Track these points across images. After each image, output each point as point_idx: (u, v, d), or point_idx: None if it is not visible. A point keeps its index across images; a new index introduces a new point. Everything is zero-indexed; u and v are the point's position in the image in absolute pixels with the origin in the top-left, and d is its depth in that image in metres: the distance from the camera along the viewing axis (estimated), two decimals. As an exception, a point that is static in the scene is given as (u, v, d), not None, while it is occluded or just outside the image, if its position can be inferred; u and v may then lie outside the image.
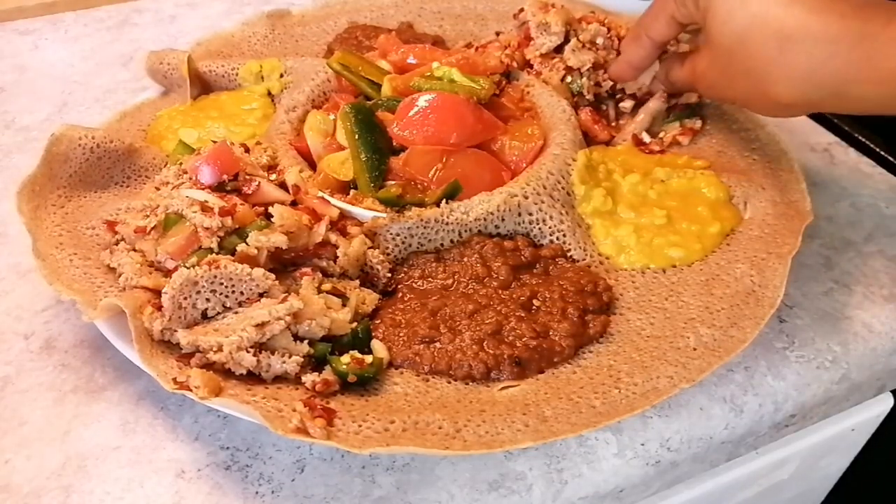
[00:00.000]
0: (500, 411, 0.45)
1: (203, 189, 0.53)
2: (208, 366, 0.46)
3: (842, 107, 0.51)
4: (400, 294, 0.53)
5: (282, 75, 0.71)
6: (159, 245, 0.51)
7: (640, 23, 0.63)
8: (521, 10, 0.71)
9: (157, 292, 0.48)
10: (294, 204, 0.55)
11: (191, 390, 0.44)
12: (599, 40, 0.67)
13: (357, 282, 0.53)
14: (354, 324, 0.49)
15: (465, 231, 0.55)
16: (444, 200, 0.55)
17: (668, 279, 0.55)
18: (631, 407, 0.45)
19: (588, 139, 0.65)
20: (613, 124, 0.68)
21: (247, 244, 0.49)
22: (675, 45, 0.66)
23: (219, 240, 0.50)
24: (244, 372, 0.46)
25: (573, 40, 0.67)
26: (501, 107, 0.64)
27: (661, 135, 0.67)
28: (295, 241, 0.51)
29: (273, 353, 0.46)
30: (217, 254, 0.49)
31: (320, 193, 0.56)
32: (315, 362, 0.48)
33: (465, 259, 0.54)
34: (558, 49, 0.68)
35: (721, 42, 0.54)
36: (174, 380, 0.44)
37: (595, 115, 0.66)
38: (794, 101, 0.51)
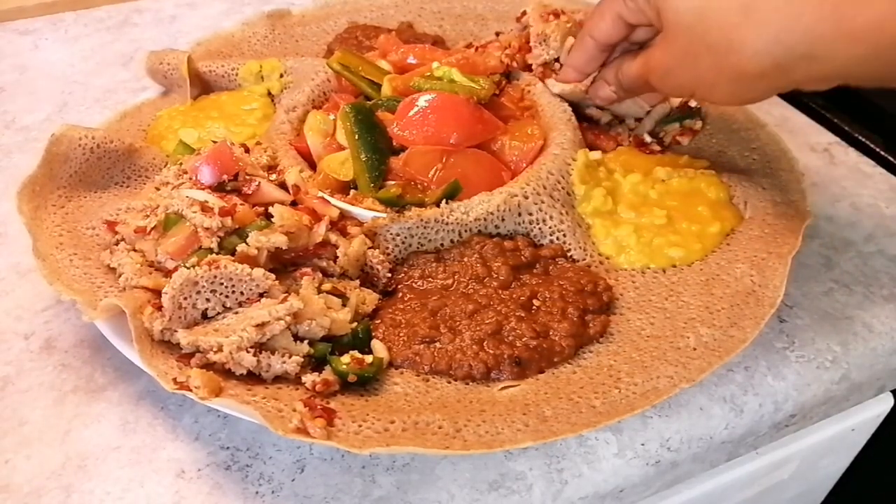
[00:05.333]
0: (500, 411, 0.45)
1: (203, 189, 0.53)
2: (208, 366, 0.46)
3: (813, 72, 0.47)
4: (400, 294, 0.53)
5: (282, 75, 0.71)
6: (159, 245, 0.51)
7: (586, 24, 0.60)
8: (524, 13, 0.70)
9: (157, 292, 0.48)
10: (294, 204, 0.55)
11: (191, 390, 0.44)
12: None
13: (357, 282, 0.53)
14: (354, 324, 0.49)
15: (465, 231, 0.55)
16: (444, 200, 0.55)
17: (668, 279, 0.55)
18: (631, 407, 0.45)
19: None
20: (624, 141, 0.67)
21: (247, 244, 0.49)
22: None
23: (219, 240, 0.50)
24: (244, 372, 0.46)
25: None
26: (501, 107, 0.64)
27: (662, 135, 0.67)
28: (295, 241, 0.51)
29: (273, 353, 0.46)
30: (217, 254, 0.49)
31: (320, 193, 0.56)
32: (315, 362, 0.48)
33: (465, 259, 0.54)
34: (558, 59, 0.68)
35: (678, 22, 0.50)
36: (174, 380, 0.44)
37: (595, 132, 0.66)
38: (764, 69, 0.48)
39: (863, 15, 0.44)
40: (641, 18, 0.55)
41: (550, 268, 0.55)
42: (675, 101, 0.68)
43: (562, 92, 0.65)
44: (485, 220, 0.55)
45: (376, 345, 0.49)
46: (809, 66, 0.47)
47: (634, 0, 0.54)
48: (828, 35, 0.45)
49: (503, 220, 0.56)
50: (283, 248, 0.50)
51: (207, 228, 0.50)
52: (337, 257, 0.52)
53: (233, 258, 0.49)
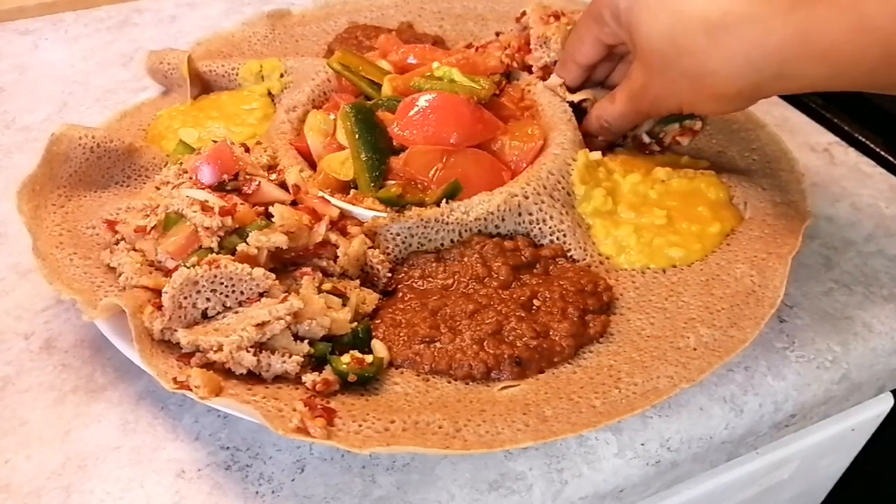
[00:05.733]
0: (500, 411, 0.45)
1: (203, 189, 0.53)
2: (208, 365, 0.46)
3: (787, 87, 0.50)
4: (400, 294, 0.53)
5: (282, 75, 0.71)
6: (159, 245, 0.51)
7: (566, 48, 0.62)
8: (524, 13, 0.70)
9: (158, 292, 0.48)
10: (294, 204, 0.55)
11: (191, 390, 0.44)
12: None
13: (357, 282, 0.53)
14: (354, 323, 0.49)
15: (466, 231, 0.55)
16: (444, 200, 0.55)
17: (668, 279, 0.55)
18: (631, 407, 0.45)
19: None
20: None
21: (247, 244, 0.49)
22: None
23: (219, 239, 0.50)
24: (244, 372, 0.46)
25: None
26: (501, 107, 0.64)
27: (661, 135, 0.67)
28: (295, 241, 0.51)
29: (273, 353, 0.46)
30: (217, 253, 0.49)
31: (320, 193, 0.56)
32: (315, 362, 0.48)
33: (466, 259, 0.54)
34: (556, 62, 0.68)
35: (651, 49, 0.52)
36: (174, 379, 0.44)
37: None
38: (739, 90, 0.50)
39: (824, 36, 0.45)
40: (618, 40, 0.57)
41: (550, 268, 0.55)
42: None
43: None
44: (485, 219, 0.55)
45: (376, 344, 0.49)
46: (782, 85, 0.49)
47: (608, 24, 0.56)
48: (794, 56, 0.47)
49: (503, 220, 0.56)
50: (283, 247, 0.50)
51: (207, 228, 0.50)
52: (337, 257, 0.52)
53: (233, 258, 0.49)
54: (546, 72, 0.68)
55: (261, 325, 0.46)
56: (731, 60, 0.48)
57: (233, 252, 0.50)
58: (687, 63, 0.50)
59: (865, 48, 0.45)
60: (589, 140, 0.63)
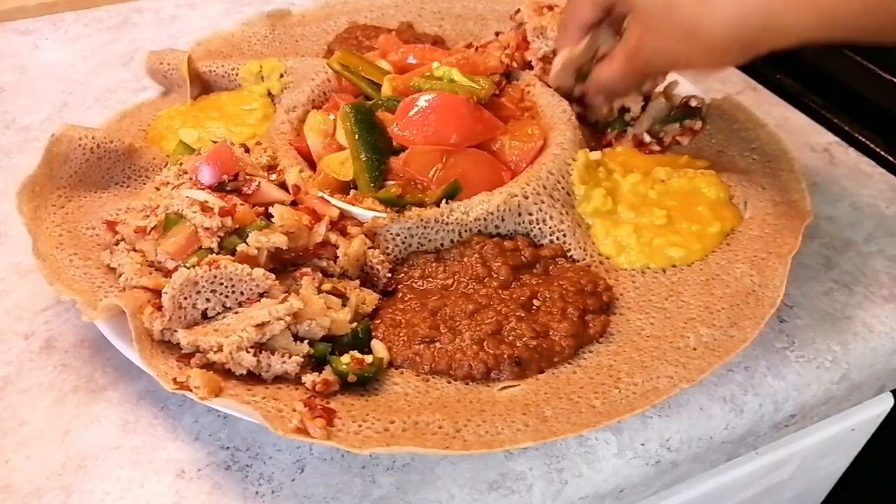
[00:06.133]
0: (500, 411, 0.45)
1: (203, 189, 0.53)
2: (208, 366, 0.46)
3: (777, 41, 0.50)
4: (400, 294, 0.53)
5: (282, 75, 0.71)
6: (159, 245, 0.51)
7: (565, 12, 0.62)
8: (518, 11, 0.70)
9: (157, 292, 0.48)
10: (294, 204, 0.55)
11: (191, 390, 0.44)
12: None
13: (357, 282, 0.53)
14: (354, 324, 0.49)
15: (465, 231, 0.55)
16: (444, 200, 0.55)
17: (668, 279, 0.55)
18: (631, 407, 0.45)
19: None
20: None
21: (247, 244, 0.49)
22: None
23: (219, 240, 0.50)
24: (244, 372, 0.46)
25: None
26: (501, 107, 0.64)
27: (661, 135, 0.67)
28: (295, 241, 0.51)
29: (273, 353, 0.46)
30: (217, 254, 0.49)
31: (320, 193, 0.56)
32: (315, 362, 0.48)
33: (465, 259, 0.54)
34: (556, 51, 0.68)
35: (644, 5, 0.53)
36: (174, 380, 0.44)
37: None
38: (728, 45, 0.50)
39: None
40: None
41: (550, 268, 0.55)
42: (676, 100, 0.68)
43: (554, 81, 0.65)
44: (485, 220, 0.55)
45: (376, 345, 0.49)
46: (770, 37, 0.50)
47: None
48: (781, 9, 0.48)
49: (503, 220, 0.56)
50: (283, 248, 0.50)
51: (207, 228, 0.50)
52: (337, 257, 0.52)
53: (233, 258, 0.49)
54: (546, 62, 0.68)
55: (261, 326, 0.46)
56: (719, 15, 0.49)
57: (233, 252, 0.50)
58: (678, 18, 0.51)
59: None
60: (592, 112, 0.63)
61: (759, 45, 0.50)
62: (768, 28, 0.49)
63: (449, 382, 0.48)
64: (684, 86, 0.70)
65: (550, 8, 0.68)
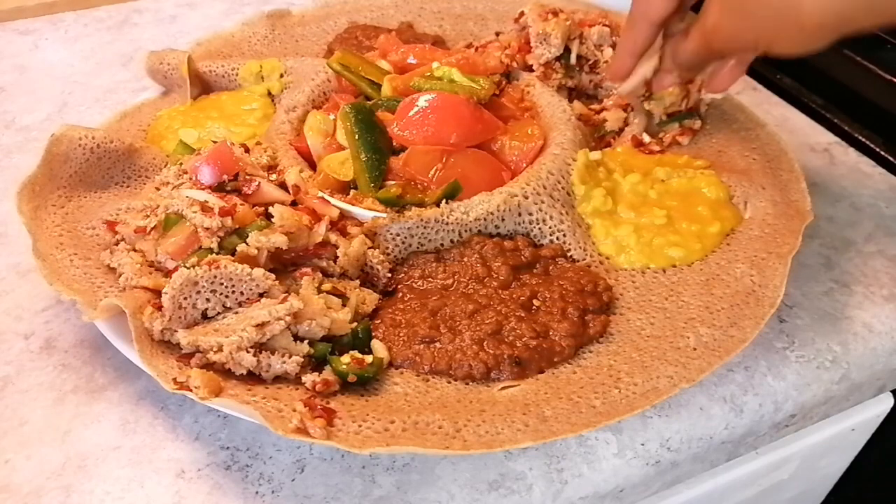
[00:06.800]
0: (500, 411, 0.45)
1: (203, 189, 0.53)
2: (208, 366, 0.46)
3: (877, 21, 0.46)
4: (400, 294, 0.53)
5: (282, 75, 0.71)
6: (159, 245, 0.51)
7: (635, 6, 0.59)
8: (522, 13, 0.70)
9: (157, 292, 0.48)
10: (294, 204, 0.55)
11: (191, 390, 0.44)
12: (607, 47, 0.67)
13: (357, 282, 0.53)
14: (354, 324, 0.49)
15: (465, 231, 0.55)
16: (444, 200, 0.55)
17: (668, 279, 0.55)
18: (631, 407, 0.45)
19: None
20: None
21: (247, 244, 0.49)
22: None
23: (219, 240, 0.50)
24: (244, 372, 0.46)
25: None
26: (501, 107, 0.64)
27: (661, 135, 0.67)
28: (295, 242, 0.51)
29: (273, 353, 0.46)
30: (217, 254, 0.49)
31: (320, 193, 0.56)
32: (315, 362, 0.48)
33: (465, 259, 0.54)
34: (559, 58, 0.68)
35: None
36: (174, 380, 0.44)
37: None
38: (825, 21, 0.46)
39: None
40: None
41: (550, 268, 0.55)
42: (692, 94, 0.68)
43: (628, 91, 0.63)
44: (485, 220, 0.55)
45: (376, 345, 0.49)
46: (871, 17, 0.46)
47: None
48: None
49: (503, 220, 0.56)
50: (283, 248, 0.50)
51: (207, 228, 0.50)
52: (337, 257, 0.52)
53: (233, 258, 0.49)
54: (548, 67, 0.68)
55: (261, 326, 0.46)
56: None
57: (233, 252, 0.50)
58: None
59: None
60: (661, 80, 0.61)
61: (855, 24, 0.47)
62: (869, 5, 0.45)
63: (449, 382, 0.48)
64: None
65: (555, 14, 0.68)
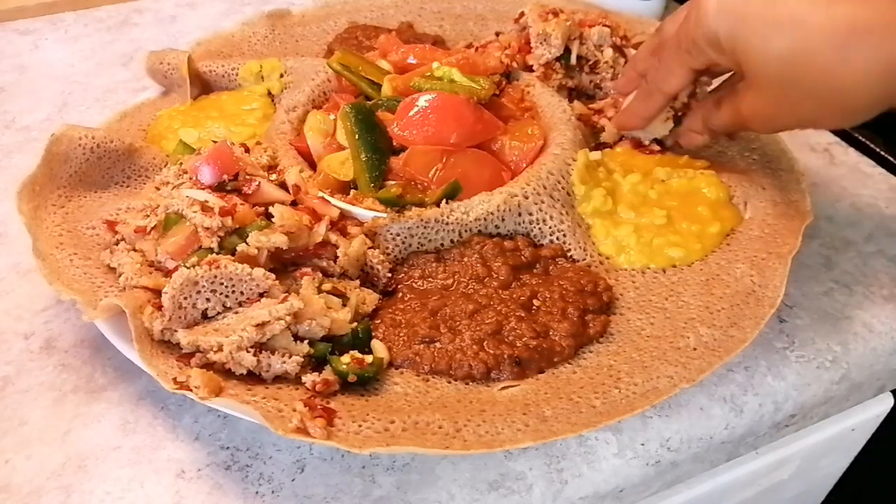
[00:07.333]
0: (500, 411, 0.45)
1: (203, 189, 0.53)
2: (208, 366, 0.46)
3: None
4: (400, 294, 0.53)
5: (282, 75, 0.71)
6: (159, 245, 0.51)
7: (653, 78, 0.58)
8: (522, 14, 0.70)
9: (157, 292, 0.48)
10: (294, 204, 0.55)
11: (191, 390, 0.44)
12: (607, 48, 0.67)
13: (357, 282, 0.53)
14: (354, 324, 0.49)
15: (465, 231, 0.55)
16: (444, 200, 0.55)
17: (668, 279, 0.55)
18: (631, 407, 0.45)
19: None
20: None
21: (247, 244, 0.49)
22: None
23: (219, 240, 0.50)
24: (244, 372, 0.46)
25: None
26: (501, 107, 0.64)
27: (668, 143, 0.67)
28: (295, 241, 0.51)
29: (273, 353, 0.46)
30: (217, 254, 0.49)
31: (320, 193, 0.56)
32: (315, 362, 0.48)
33: (465, 259, 0.54)
34: (559, 58, 0.68)
35: (766, 73, 0.48)
36: (174, 380, 0.44)
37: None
38: (872, 103, 0.46)
39: None
40: (712, 64, 0.53)
41: (550, 268, 0.55)
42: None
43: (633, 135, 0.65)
44: (485, 220, 0.55)
45: (376, 345, 0.49)
46: None
47: (704, 54, 0.52)
48: None
49: (503, 220, 0.56)
50: (283, 248, 0.50)
51: (207, 228, 0.50)
52: (337, 257, 0.52)
53: (233, 258, 0.49)
54: (548, 67, 0.68)
55: (261, 326, 0.46)
56: (866, 76, 0.45)
57: (233, 252, 0.50)
58: (812, 82, 0.47)
59: None
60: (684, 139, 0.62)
61: None
62: None
63: (449, 382, 0.48)
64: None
65: (555, 14, 0.68)
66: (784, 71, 0.47)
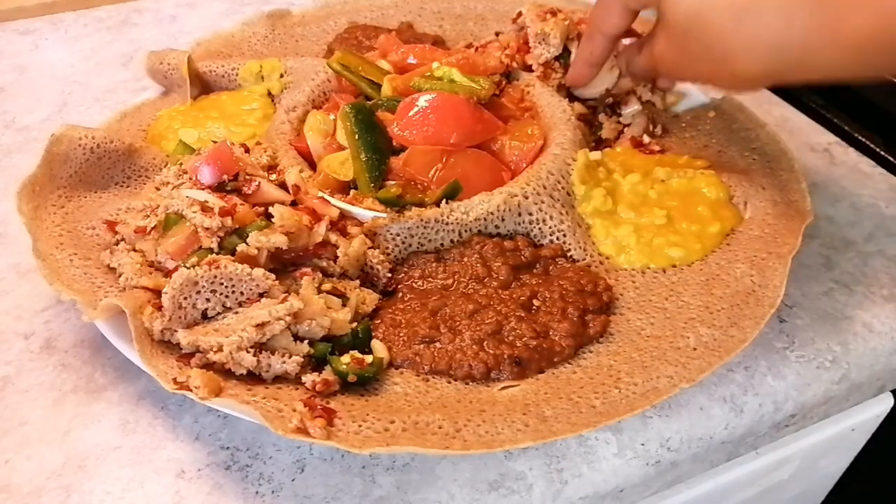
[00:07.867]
0: (500, 411, 0.45)
1: (203, 189, 0.53)
2: (208, 366, 0.46)
3: (806, 75, 0.50)
4: (400, 294, 0.53)
5: (282, 75, 0.71)
6: (159, 245, 0.51)
7: (593, 19, 0.62)
8: (520, 13, 0.70)
9: (157, 292, 0.48)
10: (294, 204, 0.55)
11: (191, 390, 0.44)
12: None
13: (357, 282, 0.53)
14: (354, 324, 0.49)
15: (465, 231, 0.55)
16: (444, 200, 0.55)
17: (668, 279, 0.55)
18: (631, 407, 0.45)
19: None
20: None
21: (247, 244, 0.49)
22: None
23: (219, 240, 0.50)
24: (244, 372, 0.46)
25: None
26: (501, 107, 0.64)
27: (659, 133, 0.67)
28: (295, 241, 0.51)
29: (273, 353, 0.46)
30: (217, 254, 0.49)
31: (320, 193, 0.56)
32: (315, 362, 0.48)
33: (465, 259, 0.54)
34: (559, 57, 0.68)
35: (676, 21, 0.52)
36: (174, 380, 0.44)
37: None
38: (757, 75, 0.50)
39: (849, 24, 0.45)
40: (645, 5, 0.57)
41: (550, 268, 0.55)
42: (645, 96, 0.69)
43: (588, 96, 0.66)
44: (485, 220, 0.55)
45: (376, 345, 0.49)
46: (801, 73, 0.49)
47: None
48: (816, 45, 0.47)
49: (503, 220, 0.56)
50: (283, 248, 0.50)
51: (207, 228, 0.50)
52: (337, 257, 0.52)
53: (233, 258, 0.49)
54: (548, 68, 0.68)
55: (261, 326, 0.46)
56: (753, 48, 0.48)
57: (233, 252, 0.50)
58: (709, 41, 0.50)
59: (892, 34, 0.44)
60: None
61: (788, 77, 0.50)
62: (801, 62, 0.48)
63: (449, 382, 0.48)
64: (684, 85, 0.70)
65: (553, 13, 0.68)
66: (689, 24, 0.51)
